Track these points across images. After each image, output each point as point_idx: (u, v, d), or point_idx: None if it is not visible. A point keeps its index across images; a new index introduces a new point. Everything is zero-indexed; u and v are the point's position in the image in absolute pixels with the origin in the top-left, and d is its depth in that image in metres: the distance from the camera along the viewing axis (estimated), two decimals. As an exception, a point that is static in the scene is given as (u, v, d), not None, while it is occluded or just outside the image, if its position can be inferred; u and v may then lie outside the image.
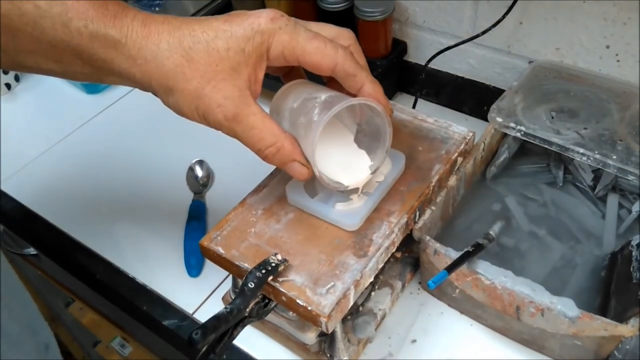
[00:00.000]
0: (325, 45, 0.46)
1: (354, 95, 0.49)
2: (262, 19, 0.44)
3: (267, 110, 0.49)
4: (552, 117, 0.65)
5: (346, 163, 0.53)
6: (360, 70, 0.48)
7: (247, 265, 0.50)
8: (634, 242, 0.57)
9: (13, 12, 0.41)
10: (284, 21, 0.45)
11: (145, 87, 0.45)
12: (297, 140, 0.48)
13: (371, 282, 0.55)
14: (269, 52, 0.45)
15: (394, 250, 0.54)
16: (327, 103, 0.47)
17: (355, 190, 0.53)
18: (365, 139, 0.54)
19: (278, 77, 0.55)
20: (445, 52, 0.77)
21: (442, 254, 0.56)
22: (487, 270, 0.54)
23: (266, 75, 0.47)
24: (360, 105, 0.52)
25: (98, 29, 0.42)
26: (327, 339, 0.57)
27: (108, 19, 0.42)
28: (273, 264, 0.49)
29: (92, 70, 0.45)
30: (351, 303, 0.50)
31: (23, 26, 0.41)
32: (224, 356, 0.61)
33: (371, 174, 0.53)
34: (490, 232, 0.59)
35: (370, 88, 0.48)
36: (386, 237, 0.52)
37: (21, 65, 0.45)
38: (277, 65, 0.47)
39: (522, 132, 0.63)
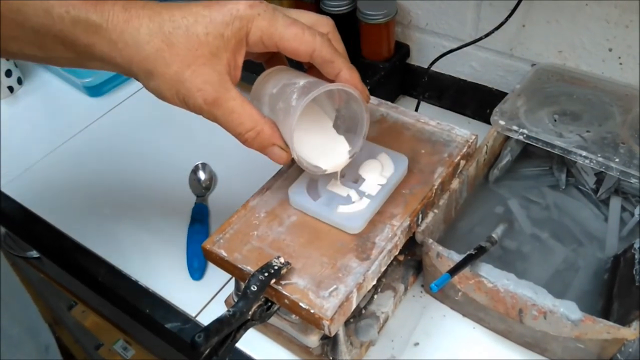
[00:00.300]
0: (303, 32, 0.46)
1: (332, 82, 0.49)
2: (240, 5, 0.45)
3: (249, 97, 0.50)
4: (555, 120, 0.65)
5: (325, 148, 0.53)
6: (338, 56, 0.48)
7: (250, 268, 0.50)
8: (637, 245, 0.57)
9: None
10: (262, 7, 0.45)
11: (126, 71, 0.45)
12: (277, 125, 0.49)
13: (374, 285, 0.55)
14: (248, 38, 0.46)
15: (397, 253, 0.54)
16: (305, 88, 0.47)
17: (334, 175, 0.54)
18: (344, 124, 0.54)
19: (257, 69, 0.55)
20: (448, 55, 0.78)
21: (445, 257, 0.56)
22: (489, 273, 0.54)
23: (249, 63, 0.47)
24: (338, 92, 0.52)
25: (79, 14, 0.42)
26: (330, 342, 0.57)
27: (89, 4, 0.43)
28: (276, 267, 0.49)
29: (75, 56, 0.45)
30: (354, 306, 0.50)
31: (6, 12, 0.42)
32: (227, 359, 0.61)
33: (349, 158, 0.53)
34: (493, 235, 0.59)
35: (347, 74, 0.49)
36: (389, 240, 0.52)
37: (5, 51, 0.46)
38: (256, 51, 0.48)
39: (525, 135, 0.63)
